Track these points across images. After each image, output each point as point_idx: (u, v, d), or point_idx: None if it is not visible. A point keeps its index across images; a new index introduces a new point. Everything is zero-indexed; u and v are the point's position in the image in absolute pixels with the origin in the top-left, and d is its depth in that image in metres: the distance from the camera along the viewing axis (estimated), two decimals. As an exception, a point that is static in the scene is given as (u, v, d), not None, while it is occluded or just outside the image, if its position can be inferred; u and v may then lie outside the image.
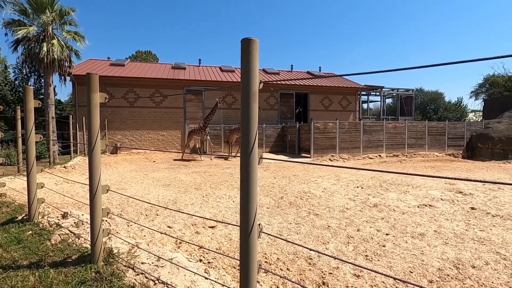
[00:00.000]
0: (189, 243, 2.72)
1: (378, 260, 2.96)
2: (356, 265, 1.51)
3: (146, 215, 4.05)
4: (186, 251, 2.64)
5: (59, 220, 3.05)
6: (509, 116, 15.47)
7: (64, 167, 8.81)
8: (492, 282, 2.54)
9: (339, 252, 3.13)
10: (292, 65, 20.54)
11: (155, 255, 2.13)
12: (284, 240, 1.74)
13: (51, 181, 6.62)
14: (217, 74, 16.78)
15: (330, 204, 5.08)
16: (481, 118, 20.43)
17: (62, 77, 12.16)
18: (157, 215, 4.01)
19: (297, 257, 2.83)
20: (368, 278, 2.55)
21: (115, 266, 2.08)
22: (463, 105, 31.66)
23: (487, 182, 0.95)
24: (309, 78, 12.53)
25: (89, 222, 2.14)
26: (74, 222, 2.96)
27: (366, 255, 3.07)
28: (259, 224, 1.31)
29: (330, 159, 12.27)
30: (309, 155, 12.61)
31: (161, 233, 2.88)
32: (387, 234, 3.69)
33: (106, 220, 3.20)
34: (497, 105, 18.39)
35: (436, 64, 1.04)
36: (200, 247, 2.69)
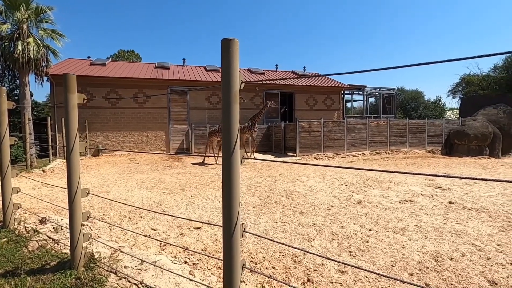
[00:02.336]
0: (173, 245, 2.69)
1: (362, 256, 3.03)
2: (338, 261, 1.54)
3: (129, 218, 3.96)
4: (171, 253, 2.61)
5: (36, 225, 2.94)
6: (484, 113, 16.20)
7: (43, 170, 8.48)
8: (468, 273, 2.66)
9: (324, 249, 3.18)
10: (277, 65, 20.64)
11: (138, 258, 2.09)
12: (268, 239, 1.76)
13: (28, 185, 6.36)
14: (201, 74, 16.63)
15: (315, 202, 5.15)
16: (458, 116, 21.27)
17: (39, 77, 11.68)
18: (141, 217, 3.93)
19: (283, 255, 2.85)
20: (351, 273, 2.60)
21: (96, 271, 2.02)
22: (442, 103, 32.85)
23: (467, 178, 0.99)
24: (293, 78, 12.63)
25: (68, 227, 2.07)
26: (53, 228, 2.86)
27: (350, 251, 3.13)
28: (242, 224, 1.32)
29: (315, 158, 12.44)
30: (294, 154, 12.73)
31: (145, 236, 2.83)
32: (370, 230, 3.78)
33: (87, 225, 3.11)
34: (472, 104, 19.20)
35: (415, 64, 1.07)
36: (185, 249, 2.66)
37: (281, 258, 2.77)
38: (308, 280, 2.35)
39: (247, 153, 12.05)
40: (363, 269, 1.64)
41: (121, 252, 2.21)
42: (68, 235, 2.40)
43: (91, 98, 13.57)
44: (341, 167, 1.27)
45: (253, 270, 1.71)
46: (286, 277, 2.38)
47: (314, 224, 4.02)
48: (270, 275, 2.35)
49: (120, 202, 3.79)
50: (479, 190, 6.02)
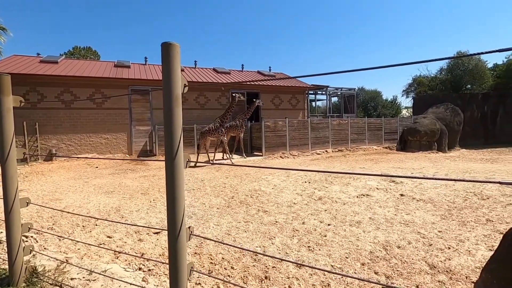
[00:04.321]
0: (121, 252, 2.59)
1: (319, 250, 3.16)
2: (275, 258, 1.60)
3: (83, 226, 3.73)
4: (125, 260, 2.51)
5: (-29, 241, 2.65)
6: (432, 112, 17.69)
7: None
8: (412, 259, 2.90)
9: (284, 246, 3.27)
10: (242, 65, 20.66)
11: (87, 269, 1.98)
12: (213, 240, 1.76)
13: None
14: (165, 73, 16.11)
15: (279, 200, 5.26)
16: (411, 114, 23.00)
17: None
18: (96, 225, 3.72)
19: (243, 254, 2.88)
20: (308, 267, 2.71)
21: (39, 285, 1.89)
22: (398, 102, 35.31)
23: (415, 177, 1.08)
24: (259, 80, 12.79)
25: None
26: (-9, 242, 2.60)
27: (309, 246, 3.26)
28: (189, 227, 1.31)
29: (281, 156, 12.68)
30: (261, 153, 12.87)
31: (91, 245, 2.69)
32: (328, 225, 3.96)
33: (32, 236, 2.88)
34: (423, 102, 20.88)
35: (375, 67, 1.15)
36: (141, 255, 2.58)
37: (241, 258, 2.80)
38: (266, 278, 2.40)
39: (224, 154, 11.91)
40: (297, 263, 1.71)
41: (69, 263, 2.08)
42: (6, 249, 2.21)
43: (42, 99, 12.51)
44: (298, 169, 1.32)
45: (201, 273, 1.70)
46: (244, 276, 2.41)
47: (276, 222, 4.12)
48: (222, 279, 2.37)
49: (60, 211, 3.56)
50: (427, 182, 6.57)
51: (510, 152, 15.33)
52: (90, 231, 3.47)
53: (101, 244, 2.77)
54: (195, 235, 1.36)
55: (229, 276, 2.39)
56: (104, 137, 13.50)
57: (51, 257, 2.19)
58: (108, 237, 3.29)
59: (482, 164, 10.00)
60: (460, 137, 17.71)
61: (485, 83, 21.84)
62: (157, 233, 3.43)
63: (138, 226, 3.02)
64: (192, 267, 1.33)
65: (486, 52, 0.92)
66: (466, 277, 2.54)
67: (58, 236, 3.06)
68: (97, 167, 10.38)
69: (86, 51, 31.79)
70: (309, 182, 6.78)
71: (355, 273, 2.65)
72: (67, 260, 2.12)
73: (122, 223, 3.46)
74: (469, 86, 22.70)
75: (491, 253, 2.22)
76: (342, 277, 2.55)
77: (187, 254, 2.74)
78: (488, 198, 4.94)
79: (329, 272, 1.70)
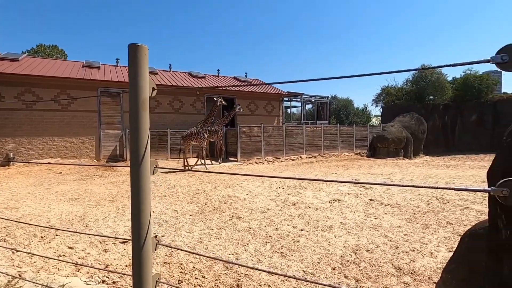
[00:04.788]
0: (83, 265, 2.42)
1: (292, 255, 3.17)
2: (246, 266, 1.58)
3: (41, 237, 3.45)
4: (88, 273, 2.34)
5: None
6: (399, 120, 18.70)
7: None
8: (380, 262, 3.00)
9: (257, 252, 3.24)
10: (218, 70, 20.57)
11: (42, 284, 1.82)
12: (181, 249, 1.71)
13: None
14: (138, 76, 15.61)
15: (253, 206, 5.24)
16: (380, 122, 24.16)
17: None
18: (57, 235, 3.46)
19: (215, 263, 2.82)
20: (279, 275, 2.70)
21: (-15, 305, 1.70)
22: (368, 111, 36.98)
23: (384, 184, 1.11)
24: (234, 86, 12.80)
25: None
26: None
27: (282, 252, 3.26)
28: (155, 236, 1.25)
29: (256, 162, 12.71)
30: (236, 159, 12.81)
31: (48, 257, 2.49)
32: (301, 230, 4.00)
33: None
34: (391, 112, 22.04)
35: (347, 76, 1.16)
36: (106, 267, 2.42)
37: (213, 266, 2.73)
38: (237, 286, 2.36)
39: (202, 159, 11.66)
40: (261, 270, 1.70)
41: (22, 278, 1.90)
42: None
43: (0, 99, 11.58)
44: (273, 176, 1.30)
45: (169, 284, 1.63)
46: (215, 285, 2.34)
47: (250, 228, 4.08)
48: None
49: (18, 222, 3.29)
50: (394, 187, 6.88)
51: (467, 159, 16.56)
52: (49, 242, 3.22)
53: (60, 256, 2.57)
54: (162, 244, 1.30)
55: (199, 285, 2.32)
56: (70, 141, 12.73)
57: (1, 272, 1.99)
58: (70, 248, 3.06)
59: (443, 170, 10.69)
60: (423, 145, 18.84)
61: (446, 95, 23.54)
62: (124, 242, 3.26)
63: (100, 236, 2.85)
64: (158, 278, 1.26)
65: (441, 66, 0.98)
66: (429, 278, 2.66)
67: (11, 249, 2.80)
68: (60, 173, 9.73)
69: (52, 50, 30.03)
70: (283, 188, 6.84)
71: (326, 277, 2.68)
72: (20, 275, 1.94)
73: (81, 233, 3.25)
74: (431, 97, 24.33)
75: (451, 254, 2.35)
76: (315, 280, 2.58)
77: (153, 265, 2.63)
78: (448, 202, 5.26)
79: (295, 279, 1.70)
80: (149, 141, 1.18)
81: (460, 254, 2.25)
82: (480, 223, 2.14)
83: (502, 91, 29.97)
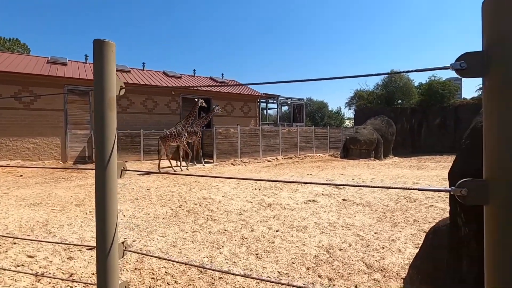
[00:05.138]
0: (43, 275, 2.26)
1: (267, 257, 3.18)
2: (217, 270, 1.56)
3: (-3, 245, 3.17)
4: (49, 283, 2.18)
5: None
6: (371, 123, 19.49)
7: None
8: (352, 260, 3.08)
9: (232, 255, 3.21)
10: (194, 70, 20.26)
11: (-5, 297, 1.67)
12: (150, 256, 1.65)
13: None
14: (109, 74, 14.93)
15: (228, 208, 5.19)
16: (353, 124, 25.03)
17: None
18: (15, 243, 3.20)
19: (189, 267, 2.75)
20: (255, 275, 2.69)
21: None
22: (341, 113, 38.20)
23: (357, 186, 1.12)
24: (211, 86, 12.66)
25: None
26: None
27: (257, 254, 3.25)
28: (123, 243, 1.19)
29: (232, 163, 12.64)
30: (212, 160, 12.66)
31: (2, 268, 2.29)
32: (277, 231, 4.02)
33: None
34: (363, 114, 22.93)
35: (320, 78, 1.16)
36: (70, 276, 2.27)
37: (186, 271, 2.66)
38: (212, 290, 2.31)
39: (179, 161, 11.32)
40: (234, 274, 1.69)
41: (-28, 292, 1.73)
42: None
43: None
44: (248, 179, 1.28)
45: None
46: (188, 290, 2.29)
47: (225, 230, 4.04)
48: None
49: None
50: (366, 188, 7.15)
51: (432, 160, 17.61)
52: (6, 251, 2.96)
53: (19, 266, 2.37)
54: (130, 250, 1.24)
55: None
56: (32, 142, 11.90)
57: None
58: (30, 257, 2.84)
59: (410, 171, 11.28)
60: (393, 146, 19.78)
61: (413, 99, 24.92)
62: (91, 249, 3.08)
63: (61, 244, 2.67)
64: (126, 287, 1.20)
65: (408, 71, 1.02)
66: (397, 274, 2.78)
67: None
68: (21, 176, 9.06)
69: (12, 44, 27.94)
70: (259, 189, 6.85)
71: (300, 277, 2.71)
72: (-31, 289, 1.76)
73: (39, 240, 3.04)
74: (400, 101, 25.64)
75: (417, 250, 2.47)
76: (287, 282, 2.59)
77: (122, 272, 2.51)
78: (415, 201, 5.55)
79: (268, 281, 1.69)
80: (116, 142, 1.12)
81: (425, 251, 2.38)
82: (443, 220, 2.27)
83: (462, 97, 32.30)
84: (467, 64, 0.73)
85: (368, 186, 1.00)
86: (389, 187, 0.99)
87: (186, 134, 10.67)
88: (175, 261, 1.75)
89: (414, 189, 0.80)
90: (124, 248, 1.20)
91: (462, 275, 0.98)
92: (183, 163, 11.45)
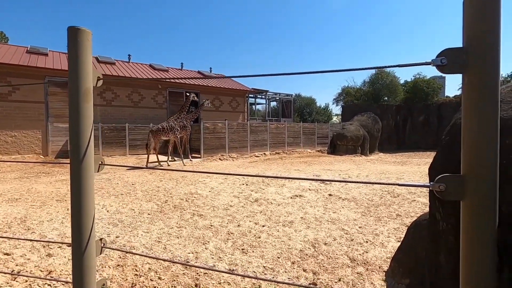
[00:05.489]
0: (19, 274, 2.18)
1: (253, 252, 3.18)
2: (199, 267, 1.54)
3: (-29, 243, 3.04)
4: (26, 281, 2.11)
5: None
6: (357, 119, 19.79)
7: None
8: (336, 254, 3.13)
9: (218, 250, 3.20)
10: (182, 63, 19.90)
11: (-34, 297, 1.59)
12: (128, 252, 1.61)
13: None
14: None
15: (215, 203, 5.17)
16: (340, 121, 25.36)
17: None
18: (17, 239, 3.08)
19: (173, 263, 2.72)
20: (241, 270, 2.69)
21: None
22: (329, 109, 38.62)
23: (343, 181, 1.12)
24: (199, 78, 12.46)
25: None
26: None
27: (243, 249, 3.25)
28: (101, 239, 1.15)
29: (220, 159, 12.58)
30: (199, 155, 12.55)
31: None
32: (263, 226, 4.03)
33: None
34: (351, 111, 23.24)
35: (309, 71, 1.14)
36: (48, 273, 2.20)
37: (171, 266, 2.63)
38: (196, 285, 2.30)
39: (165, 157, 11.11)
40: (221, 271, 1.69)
41: None
42: None
43: None
44: (235, 174, 1.26)
45: None
46: (172, 286, 2.26)
47: (211, 225, 4.02)
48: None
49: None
50: (351, 183, 7.27)
51: (416, 156, 18.08)
52: (-19, 249, 2.84)
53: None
54: (108, 248, 1.20)
55: (155, 287, 2.22)
56: (11, 135, 11.44)
57: None
58: (6, 254, 2.73)
59: (395, 166, 11.55)
60: (378, 143, 20.18)
61: (398, 97, 25.44)
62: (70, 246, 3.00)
63: (36, 241, 2.59)
64: (104, 284, 1.16)
65: (388, 66, 1.02)
66: (379, 267, 2.85)
67: None
68: (-1, 170, 8.71)
69: (-10, 32, 26.63)
70: (247, 184, 6.85)
71: (285, 272, 2.73)
72: None
73: (12, 238, 2.94)
74: (386, 98, 26.13)
75: (399, 244, 2.53)
76: (273, 277, 2.61)
77: (104, 269, 2.45)
78: (398, 196, 5.69)
79: (249, 277, 1.69)
80: (92, 136, 1.07)
81: (406, 245, 2.43)
82: (424, 214, 2.33)
83: (445, 95, 33.24)
84: (447, 60, 0.73)
85: (352, 182, 1.00)
86: (372, 183, 0.99)
87: (179, 129, 10.57)
88: (153, 257, 1.72)
89: (395, 184, 0.80)
90: (102, 245, 1.16)
91: (439, 268, 1.00)
92: (174, 158, 11.30)
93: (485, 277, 0.72)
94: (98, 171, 1.13)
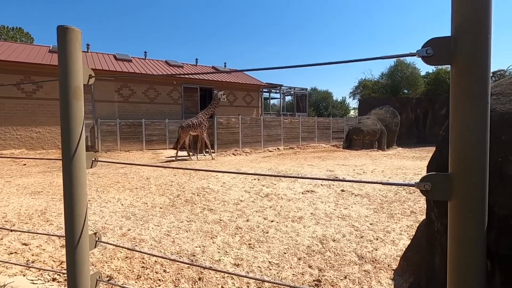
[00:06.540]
0: (28, 266, 2.29)
1: (259, 247, 3.19)
2: (196, 265, 1.56)
3: (-6, 233, 3.24)
4: (39, 271, 2.23)
5: None
6: (375, 113, 19.24)
7: None
8: (344, 251, 3.08)
9: (225, 244, 3.23)
10: (197, 59, 20.07)
11: (-18, 285, 1.70)
12: (121, 247, 1.65)
13: None
14: (110, 63, 14.92)
15: (226, 198, 5.21)
16: (357, 114, 24.77)
17: None
18: (11, 231, 3.26)
19: (180, 256, 2.78)
20: (246, 265, 2.71)
21: None
22: (346, 103, 37.78)
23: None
24: (212, 73, 12.56)
25: None
26: None
27: (250, 243, 3.26)
28: (95, 233, 1.18)
29: (233, 154, 12.65)
30: (213, 150, 12.68)
31: None
32: (272, 221, 4.03)
33: None
34: (367, 104, 22.62)
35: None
36: (61, 264, 2.31)
37: (177, 260, 2.69)
38: (199, 279, 2.33)
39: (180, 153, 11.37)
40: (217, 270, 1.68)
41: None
42: None
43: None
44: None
45: (109, 283, 1.58)
46: (176, 279, 2.31)
47: (220, 220, 4.06)
48: (152, 282, 2.24)
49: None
50: (366, 178, 7.11)
51: (436, 150, 17.41)
52: (1, 239, 3.02)
53: (12, 254, 2.41)
54: (103, 242, 1.23)
55: (159, 280, 2.27)
56: (36, 131, 12.03)
57: None
58: (24, 244, 2.89)
59: (413, 162, 11.17)
60: (397, 137, 19.57)
61: (418, 89, 24.48)
62: (85, 237, 3.13)
63: (30, 232, 2.70)
64: (99, 277, 1.20)
65: (373, 59, 0.97)
66: (388, 265, 2.77)
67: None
68: (25, 165, 9.20)
69: (16, 32, 27.93)
70: (258, 179, 6.86)
71: (290, 267, 2.72)
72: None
73: (17, 230, 3.08)
74: (405, 91, 25.22)
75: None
76: (277, 272, 2.60)
77: (112, 261, 2.54)
78: (414, 192, 5.50)
79: (244, 277, 1.68)
80: (83, 133, 1.10)
81: (415, 243, 2.35)
82: (434, 213, 2.23)
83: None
84: (433, 51, 0.68)
85: (340, 180, 0.96)
86: (355, 181, 0.96)
87: (206, 124, 11.02)
88: (146, 253, 1.75)
89: (377, 183, 0.76)
90: (96, 239, 1.19)
91: (434, 269, 0.95)
92: (185, 153, 11.50)
93: (472, 280, 0.68)
94: (91, 167, 1.15)
